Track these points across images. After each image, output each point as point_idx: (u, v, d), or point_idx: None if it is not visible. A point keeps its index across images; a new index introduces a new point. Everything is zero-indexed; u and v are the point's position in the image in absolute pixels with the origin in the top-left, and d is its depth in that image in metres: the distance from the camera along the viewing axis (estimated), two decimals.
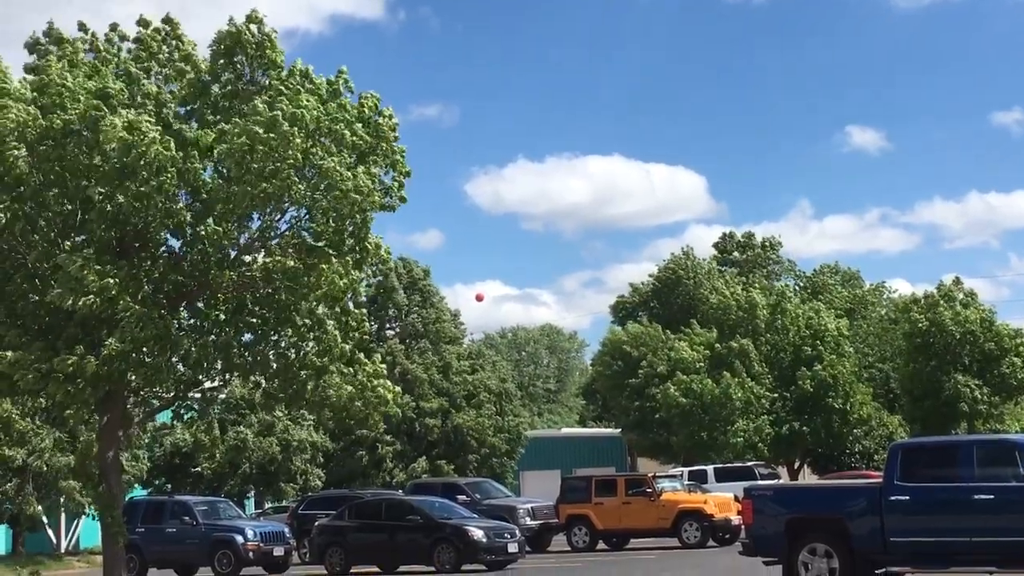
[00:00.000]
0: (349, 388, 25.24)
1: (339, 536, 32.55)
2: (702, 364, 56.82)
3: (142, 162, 21.90)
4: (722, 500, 36.59)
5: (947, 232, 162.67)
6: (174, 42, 25.18)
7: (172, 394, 26.12)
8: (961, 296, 57.43)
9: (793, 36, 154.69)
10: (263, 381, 26.19)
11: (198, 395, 27.41)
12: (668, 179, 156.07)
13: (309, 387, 25.21)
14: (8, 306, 23.69)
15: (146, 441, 48.00)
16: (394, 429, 52.81)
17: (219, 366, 25.43)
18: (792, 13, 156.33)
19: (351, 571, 32.35)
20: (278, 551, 33.96)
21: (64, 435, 40.63)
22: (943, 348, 54.88)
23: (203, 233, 23.52)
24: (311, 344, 25.19)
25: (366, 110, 23.79)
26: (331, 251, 23.64)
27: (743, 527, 22.48)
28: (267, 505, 54.74)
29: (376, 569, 32.32)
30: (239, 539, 33.48)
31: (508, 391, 59.53)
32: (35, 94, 22.96)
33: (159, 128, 22.58)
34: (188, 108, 24.44)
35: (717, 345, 57.50)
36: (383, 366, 26.92)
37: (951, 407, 53.83)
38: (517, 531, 31.92)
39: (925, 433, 51.13)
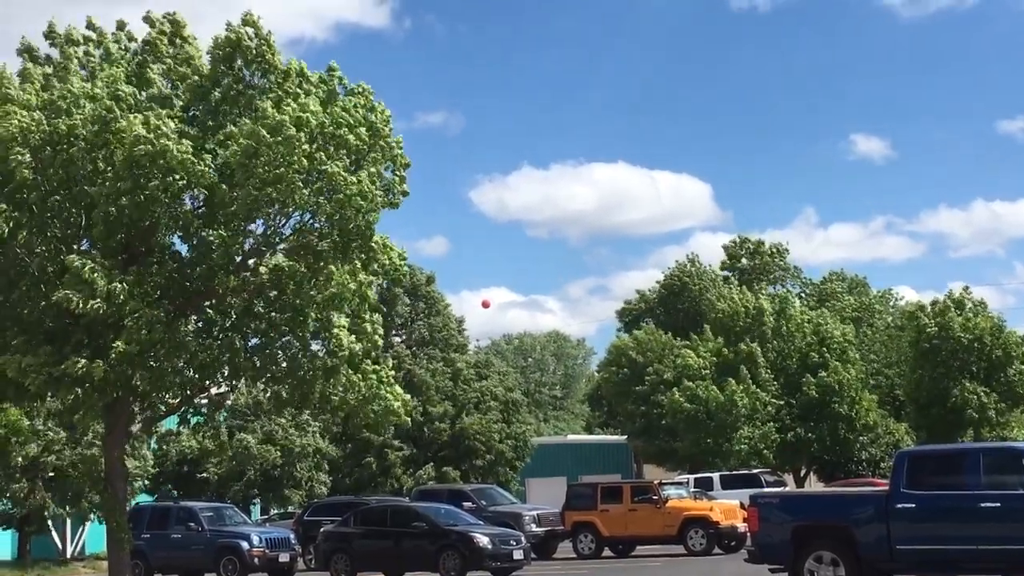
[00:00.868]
0: (358, 392, 25.27)
1: (344, 543, 32.49)
2: (708, 371, 56.75)
3: (156, 160, 21.96)
4: (728, 507, 36.55)
5: (952, 240, 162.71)
6: (179, 41, 25.26)
7: (179, 399, 26.15)
8: (970, 304, 57.42)
9: (798, 43, 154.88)
10: (272, 384, 26.20)
11: (204, 400, 27.44)
12: (673, 186, 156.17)
13: (317, 388, 25.22)
14: (14, 312, 23.73)
15: (152, 447, 47.99)
16: (402, 434, 52.74)
17: (226, 371, 25.45)
18: (797, 20, 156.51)
19: None
20: (284, 557, 33.93)
21: (73, 436, 40.62)
22: (950, 355, 54.83)
23: (209, 237, 23.57)
24: (319, 346, 25.21)
25: (360, 109, 23.77)
26: (337, 254, 23.67)
27: (749, 534, 22.46)
28: (272, 511, 54.72)
29: None
30: (245, 545, 33.47)
31: (514, 399, 59.47)
32: (39, 98, 23.01)
33: (175, 128, 22.69)
34: (192, 112, 24.50)
35: (724, 351, 57.46)
36: (393, 372, 26.94)
37: (957, 414, 53.77)
38: (523, 538, 31.87)
39: (931, 441, 51.10)
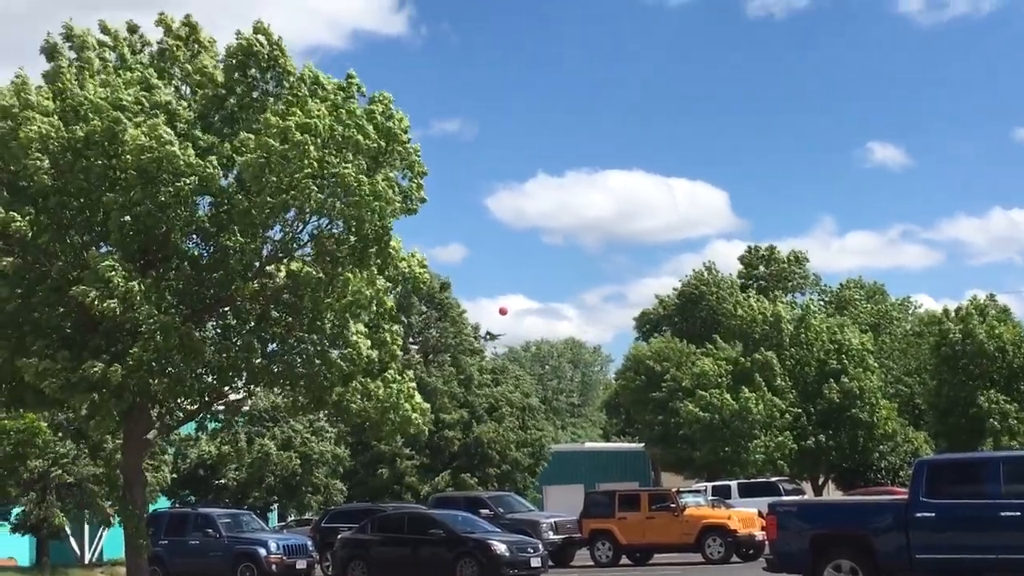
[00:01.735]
0: (377, 401, 25.28)
1: (362, 549, 32.48)
2: (723, 379, 56.59)
3: (164, 165, 22.02)
4: (746, 515, 36.37)
5: (970, 248, 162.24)
6: (195, 45, 25.31)
7: (196, 405, 26.18)
8: (993, 312, 57.15)
9: (814, 51, 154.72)
10: (289, 390, 26.21)
11: (222, 406, 27.45)
12: (690, 194, 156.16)
13: (334, 393, 25.22)
14: (33, 316, 23.79)
15: (169, 452, 48.10)
16: (415, 443, 52.60)
17: (243, 376, 25.48)
18: (814, 28, 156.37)
19: None
20: (301, 564, 33.97)
21: (87, 448, 40.70)
22: (971, 362, 54.55)
23: (226, 244, 23.60)
24: (335, 352, 25.21)
25: (377, 115, 23.78)
26: (354, 260, 23.67)
27: (767, 543, 22.34)
28: (290, 518, 54.75)
29: None
30: (262, 552, 33.50)
31: (531, 405, 59.36)
32: (56, 103, 23.08)
33: (175, 134, 22.72)
34: (208, 120, 24.53)
35: (741, 359, 57.32)
36: (413, 384, 26.91)
37: (978, 423, 53.46)
38: (540, 545, 31.83)
39: (951, 449, 50.81)
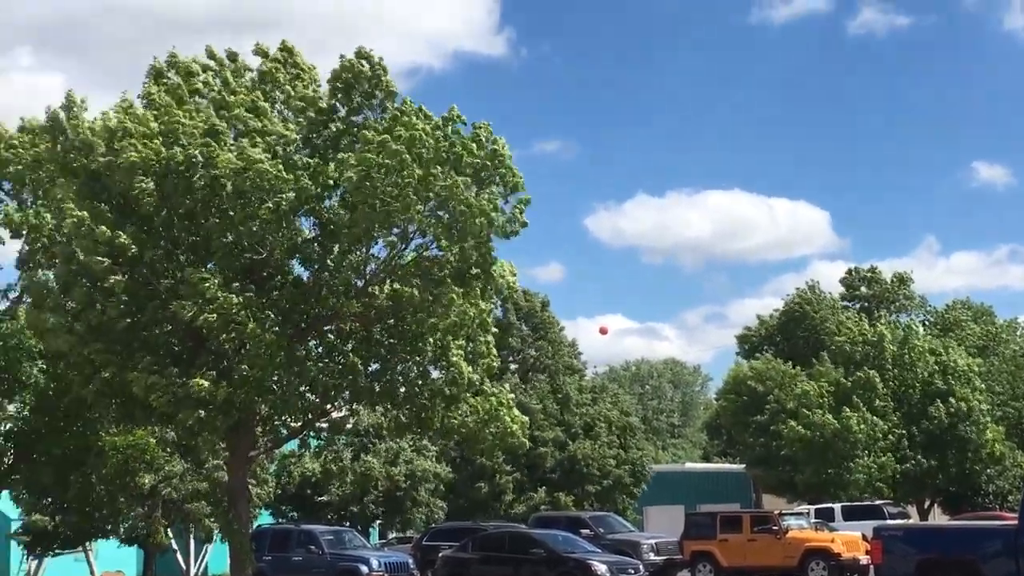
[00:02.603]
0: (476, 416, 25.40)
1: (463, 568, 32.53)
2: (825, 399, 55.88)
3: (258, 183, 22.38)
4: (850, 539, 35.87)
5: None
6: (294, 70, 25.72)
7: (300, 423, 26.48)
8: None
9: (917, 70, 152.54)
10: (391, 409, 26.42)
11: (325, 424, 27.72)
12: (790, 213, 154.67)
13: (439, 415, 25.38)
14: (142, 333, 24.25)
15: (273, 469, 48.65)
16: (514, 459, 52.58)
17: (346, 395, 25.73)
18: (916, 46, 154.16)
19: None
20: None
21: (193, 465, 41.33)
22: None
23: (329, 262, 23.91)
24: (438, 373, 25.38)
25: (482, 137, 23.97)
26: (456, 281, 23.83)
27: (872, 567, 22.05)
28: (391, 535, 55.00)
29: None
30: (364, 569, 33.63)
31: (631, 424, 59.06)
32: (158, 127, 23.53)
33: (281, 156, 23.12)
34: (312, 143, 24.90)
35: (843, 380, 56.59)
36: (512, 396, 27.02)
37: None
38: (641, 566, 31.67)
39: None
